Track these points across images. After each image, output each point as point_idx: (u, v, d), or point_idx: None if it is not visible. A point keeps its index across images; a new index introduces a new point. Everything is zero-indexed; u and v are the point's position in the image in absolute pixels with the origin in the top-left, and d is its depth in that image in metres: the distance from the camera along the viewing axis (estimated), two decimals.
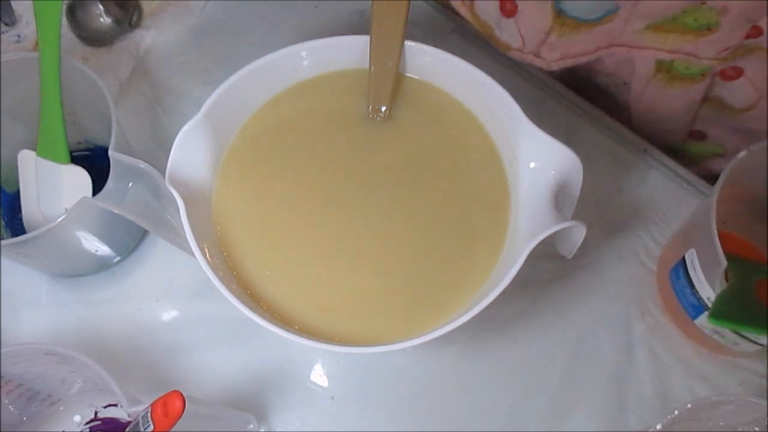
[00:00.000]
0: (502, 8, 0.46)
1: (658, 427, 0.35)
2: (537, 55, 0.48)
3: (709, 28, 0.42)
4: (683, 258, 0.43)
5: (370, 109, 0.42)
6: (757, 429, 0.38)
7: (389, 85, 0.41)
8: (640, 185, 0.51)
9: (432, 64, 0.41)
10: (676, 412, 0.35)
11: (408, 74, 0.43)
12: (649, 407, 0.44)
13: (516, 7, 0.45)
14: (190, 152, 0.38)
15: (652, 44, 0.44)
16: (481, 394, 0.45)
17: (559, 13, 0.44)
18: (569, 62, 0.47)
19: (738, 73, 0.45)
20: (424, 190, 0.40)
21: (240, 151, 0.41)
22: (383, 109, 0.41)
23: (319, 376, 0.46)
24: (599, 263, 0.48)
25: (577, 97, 0.53)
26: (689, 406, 0.35)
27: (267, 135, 0.42)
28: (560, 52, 0.47)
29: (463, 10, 0.49)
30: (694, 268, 0.42)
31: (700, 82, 0.46)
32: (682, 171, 0.51)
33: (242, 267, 0.38)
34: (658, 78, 0.48)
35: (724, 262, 0.38)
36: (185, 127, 0.37)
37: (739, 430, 0.38)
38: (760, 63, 0.44)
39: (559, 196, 0.37)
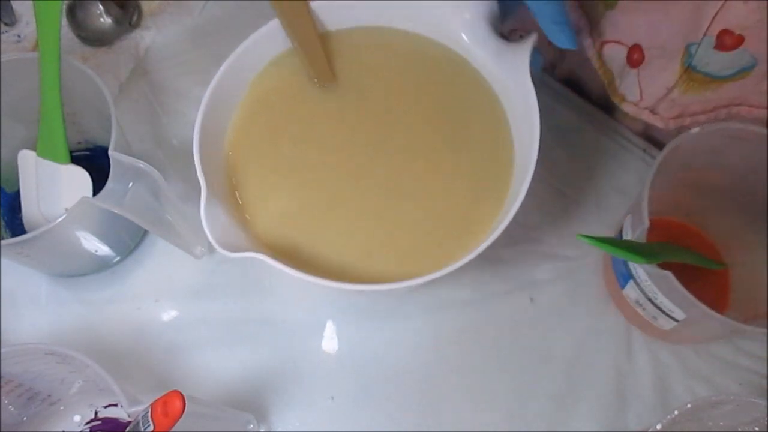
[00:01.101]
0: (629, 57, 0.44)
1: (658, 427, 0.35)
2: (654, 111, 0.46)
3: None
4: (622, 226, 0.43)
5: (315, 81, 0.43)
6: (757, 429, 0.38)
7: (320, 52, 0.42)
8: (640, 185, 0.51)
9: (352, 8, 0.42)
10: (676, 412, 0.35)
11: (339, 28, 0.44)
12: (649, 407, 0.44)
13: (643, 57, 0.43)
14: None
15: None
16: (481, 395, 0.45)
17: (689, 68, 0.41)
18: (687, 121, 0.45)
19: None
20: (423, 134, 0.42)
21: (248, 115, 0.43)
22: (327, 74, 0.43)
23: (319, 376, 0.46)
24: (599, 263, 0.48)
25: (578, 97, 0.53)
26: (689, 406, 0.35)
27: (270, 98, 0.43)
28: (679, 110, 0.45)
29: (590, 52, 0.48)
30: (627, 234, 0.42)
31: None
32: None
33: (255, 220, 0.40)
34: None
35: (647, 223, 0.38)
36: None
37: (739, 430, 0.38)
38: None
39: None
